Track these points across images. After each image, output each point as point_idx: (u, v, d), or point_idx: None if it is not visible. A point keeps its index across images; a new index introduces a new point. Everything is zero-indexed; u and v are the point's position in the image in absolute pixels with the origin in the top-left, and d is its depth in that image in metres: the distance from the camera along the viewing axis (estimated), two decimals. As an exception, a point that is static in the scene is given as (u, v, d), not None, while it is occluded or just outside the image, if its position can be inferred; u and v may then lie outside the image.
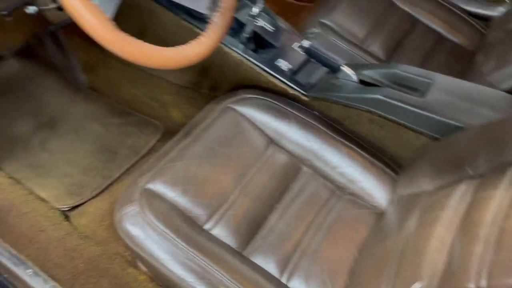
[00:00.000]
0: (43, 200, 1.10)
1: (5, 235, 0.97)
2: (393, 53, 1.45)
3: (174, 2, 0.96)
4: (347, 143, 1.09)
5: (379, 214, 0.99)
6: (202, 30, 1.17)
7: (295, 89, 1.16)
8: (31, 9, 0.86)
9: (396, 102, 1.03)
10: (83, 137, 1.32)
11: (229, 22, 0.90)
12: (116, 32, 0.71)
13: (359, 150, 1.08)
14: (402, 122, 1.04)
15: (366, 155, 1.08)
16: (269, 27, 1.21)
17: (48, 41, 1.38)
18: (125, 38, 0.72)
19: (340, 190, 1.04)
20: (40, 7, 0.87)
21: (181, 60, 0.80)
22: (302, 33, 1.33)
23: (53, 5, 0.85)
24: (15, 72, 1.39)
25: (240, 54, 1.18)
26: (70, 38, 1.42)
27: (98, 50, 1.44)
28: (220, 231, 0.92)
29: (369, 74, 1.13)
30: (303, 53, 1.21)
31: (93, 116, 1.37)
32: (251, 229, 0.95)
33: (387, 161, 1.09)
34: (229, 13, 0.90)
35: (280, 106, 1.12)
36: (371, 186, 1.04)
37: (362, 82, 1.14)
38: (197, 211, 0.93)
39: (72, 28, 1.04)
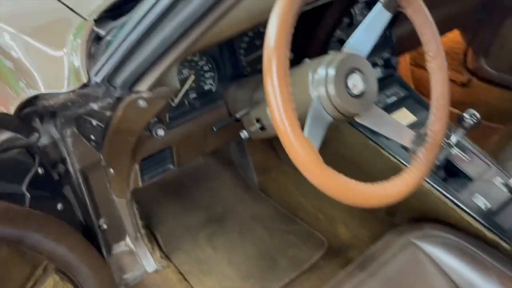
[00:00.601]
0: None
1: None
2: None
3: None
4: None
5: None
6: (390, 152, 1.12)
7: (494, 234, 0.98)
8: (243, 134, 0.92)
9: None
10: (247, 238, 1.32)
11: (435, 158, 0.81)
12: (322, 166, 0.68)
13: None
14: None
15: None
16: (464, 156, 1.09)
17: (232, 143, 1.47)
18: (330, 174, 0.68)
19: None
20: (246, 125, 0.92)
21: (382, 199, 0.73)
22: (503, 165, 1.16)
23: (257, 126, 0.89)
24: (198, 166, 1.50)
25: (428, 182, 1.07)
26: (250, 140, 1.50)
27: (273, 154, 1.50)
28: None
29: None
30: (507, 191, 1.04)
31: (259, 217, 1.38)
32: None
33: None
34: (436, 149, 0.81)
35: (476, 251, 0.95)
36: None
37: None
38: None
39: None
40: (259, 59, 1.12)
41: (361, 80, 0.77)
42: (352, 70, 0.76)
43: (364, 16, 1.22)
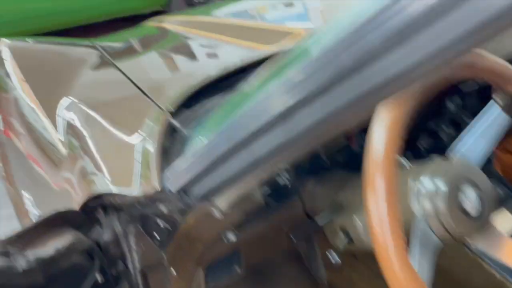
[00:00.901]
0: None
1: None
2: None
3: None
4: None
5: None
6: (494, 266, 0.94)
7: None
8: (333, 259, 0.81)
9: None
10: None
11: None
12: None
13: None
14: None
15: None
16: None
17: (300, 232, 1.35)
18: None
19: None
20: (329, 236, 0.81)
21: None
22: None
23: (345, 240, 0.77)
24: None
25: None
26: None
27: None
28: None
29: None
30: None
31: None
32: None
33: None
34: None
35: None
36: None
37: None
38: None
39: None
40: (340, 151, 1.02)
41: (477, 196, 0.64)
42: (466, 184, 0.64)
43: (458, 106, 1.11)
